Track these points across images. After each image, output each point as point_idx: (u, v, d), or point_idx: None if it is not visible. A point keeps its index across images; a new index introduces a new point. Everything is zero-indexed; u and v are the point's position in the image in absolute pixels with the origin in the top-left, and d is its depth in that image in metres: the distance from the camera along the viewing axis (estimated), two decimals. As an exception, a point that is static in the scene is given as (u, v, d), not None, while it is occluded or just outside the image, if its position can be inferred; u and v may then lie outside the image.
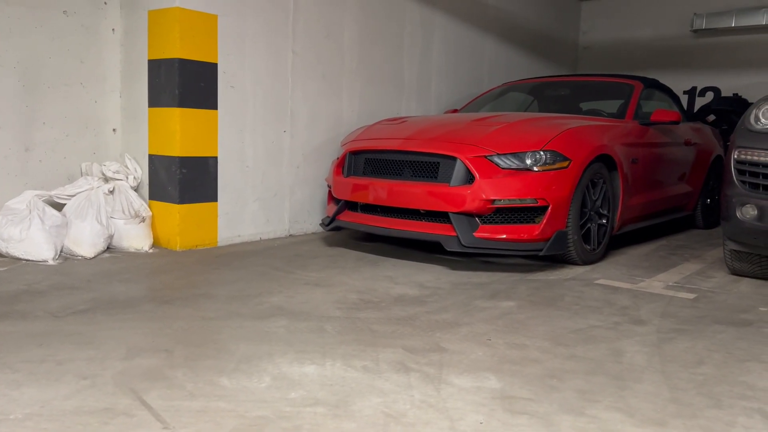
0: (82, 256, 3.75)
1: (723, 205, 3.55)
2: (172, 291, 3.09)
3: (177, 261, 3.80)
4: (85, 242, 3.76)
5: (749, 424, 1.80)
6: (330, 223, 4.26)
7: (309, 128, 4.87)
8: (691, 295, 3.34)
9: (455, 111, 5.67)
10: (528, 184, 3.61)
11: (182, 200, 4.06)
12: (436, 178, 3.78)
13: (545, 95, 5.67)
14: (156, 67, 4.06)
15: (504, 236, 3.64)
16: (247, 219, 4.51)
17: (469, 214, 3.65)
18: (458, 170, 3.68)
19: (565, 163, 3.73)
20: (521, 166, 3.66)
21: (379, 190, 3.93)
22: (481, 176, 3.62)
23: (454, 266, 3.86)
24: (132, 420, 1.70)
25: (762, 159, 3.26)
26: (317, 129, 4.94)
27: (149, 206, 4.18)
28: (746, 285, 3.65)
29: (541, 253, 3.66)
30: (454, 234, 3.66)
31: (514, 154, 3.68)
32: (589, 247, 4.02)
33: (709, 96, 7.94)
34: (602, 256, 4.21)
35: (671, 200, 5.24)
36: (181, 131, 4.00)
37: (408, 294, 3.19)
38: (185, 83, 3.99)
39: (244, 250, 4.20)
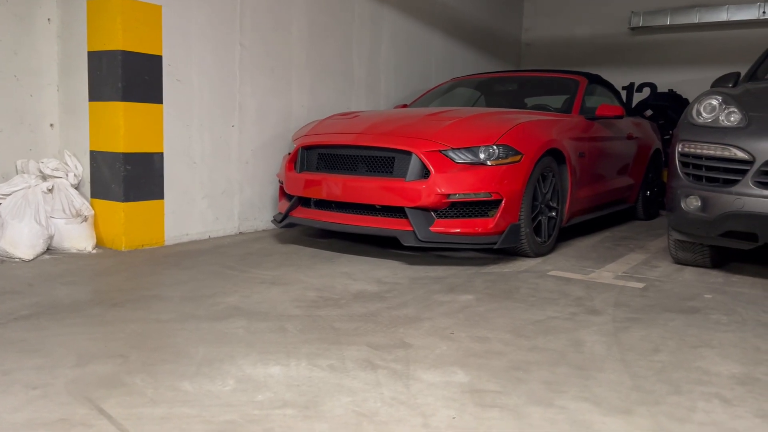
0: (19, 259, 3.55)
1: (668, 196, 3.67)
2: (120, 293, 2.96)
3: (123, 261, 3.65)
4: (23, 244, 3.57)
5: (709, 408, 1.86)
6: (282, 220, 4.18)
7: (258, 123, 4.77)
8: (640, 285, 3.44)
9: (405, 106, 5.67)
10: (482, 179, 3.64)
11: (127, 198, 3.90)
12: (391, 172, 3.76)
13: (492, 90, 5.73)
14: (96, 59, 3.88)
15: (459, 230, 3.66)
16: (195, 217, 4.37)
17: (425, 209, 3.65)
18: (414, 165, 3.67)
19: (518, 157, 3.77)
20: (475, 160, 3.68)
21: (334, 185, 3.88)
22: (437, 171, 3.62)
23: (410, 261, 3.86)
24: (91, 430, 1.61)
25: (704, 152, 3.38)
26: (266, 124, 4.84)
27: (91, 205, 4.00)
28: (690, 273, 3.78)
29: (495, 246, 3.70)
30: (410, 229, 3.65)
31: (468, 149, 3.70)
32: (540, 240, 4.09)
33: (646, 92, 8.21)
34: (552, 248, 4.29)
35: (615, 193, 5.40)
36: (125, 126, 3.85)
37: (367, 290, 3.16)
38: (129, 76, 3.83)
39: (194, 249, 4.07)
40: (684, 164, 3.53)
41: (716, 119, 3.45)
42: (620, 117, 4.95)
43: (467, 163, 3.68)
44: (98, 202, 4.00)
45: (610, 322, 2.71)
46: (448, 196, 3.62)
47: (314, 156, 4.10)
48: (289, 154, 4.35)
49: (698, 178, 3.45)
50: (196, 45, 4.24)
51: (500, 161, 3.70)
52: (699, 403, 1.89)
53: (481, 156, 3.70)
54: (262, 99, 4.79)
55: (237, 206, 4.68)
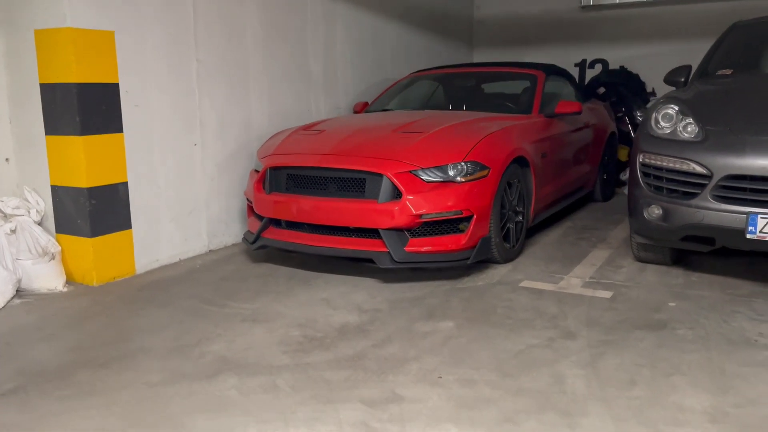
0: (-10, 308, 3.47)
1: (630, 203, 3.81)
2: (104, 348, 2.94)
3: (97, 300, 3.61)
4: (-8, 292, 3.48)
5: (688, 455, 2.01)
6: (255, 241, 4.17)
7: (220, 137, 4.70)
8: (608, 294, 3.59)
9: (365, 104, 5.65)
10: (453, 197, 3.70)
11: (95, 233, 3.83)
12: (363, 194, 3.78)
13: (452, 85, 5.76)
14: (50, 91, 3.74)
15: (433, 248, 3.73)
16: (164, 241, 4.33)
17: (399, 229, 3.70)
18: (385, 186, 3.70)
19: (485, 172, 3.84)
20: (445, 177, 3.74)
21: (305, 207, 3.89)
22: (408, 192, 3.66)
23: (386, 278, 3.92)
24: None
25: (664, 164, 3.51)
26: (228, 137, 4.77)
27: (57, 240, 3.92)
28: (652, 274, 3.96)
29: (468, 262, 3.79)
30: (385, 250, 3.70)
31: (438, 168, 3.75)
32: (509, 246, 4.20)
33: (598, 68, 8.35)
34: (520, 251, 4.41)
35: (575, 182, 5.55)
36: (87, 161, 3.75)
37: (349, 323, 3.22)
38: (86, 109, 3.71)
39: (166, 277, 4.04)
40: (645, 174, 3.66)
41: (674, 131, 3.58)
42: (579, 113, 5.06)
43: (437, 181, 3.73)
44: (64, 237, 3.91)
45: (585, 348, 2.85)
46: (420, 216, 3.67)
47: (283, 177, 4.08)
48: (257, 171, 4.32)
49: (659, 188, 3.59)
50: (152, 66, 4.12)
51: (469, 177, 3.77)
52: (678, 450, 2.04)
53: (451, 173, 3.75)
54: (222, 112, 4.71)
55: (205, 224, 4.64)
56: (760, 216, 3.13)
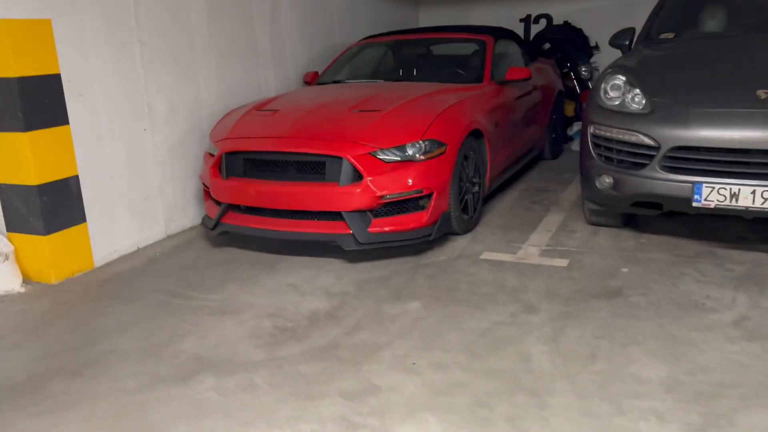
0: (-54, 316, 3.38)
1: (582, 173, 3.94)
2: (73, 353, 2.92)
3: (58, 300, 3.55)
4: (-53, 300, 3.38)
5: (648, 428, 2.17)
6: (214, 227, 4.14)
7: (169, 121, 4.59)
8: (564, 262, 3.74)
9: (315, 74, 5.58)
10: (413, 176, 3.75)
11: (49, 230, 3.73)
12: (323, 177, 3.78)
13: (402, 53, 5.73)
14: (-13, 86, 3.57)
15: (395, 228, 3.79)
16: (120, 231, 4.25)
17: (361, 211, 3.74)
18: (345, 169, 3.71)
19: (443, 149, 3.89)
20: (404, 157, 3.77)
21: (265, 192, 3.87)
22: (369, 173, 3.69)
23: (351, 258, 3.97)
24: None
25: (614, 136, 3.63)
26: (178, 119, 4.66)
27: (9, 239, 3.80)
28: (604, 238, 4.13)
29: (430, 238, 3.87)
30: (349, 232, 3.74)
31: (397, 147, 3.77)
32: (467, 217, 4.30)
33: (543, 23, 8.39)
34: (478, 220, 4.52)
35: (526, 145, 5.67)
36: (34, 157, 3.62)
37: (318, 309, 3.27)
38: (28, 104, 3.56)
39: (126, 269, 3.99)
40: (596, 145, 3.78)
41: (623, 102, 3.69)
42: (528, 79, 5.12)
43: (397, 161, 3.76)
44: (17, 236, 3.80)
45: (547, 322, 2.99)
46: (382, 197, 3.71)
47: (239, 161, 4.04)
48: (211, 155, 4.25)
49: (609, 159, 3.72)
50: (94, 53, 3.96)
51: (427, 155, 3.81)
52: (640, 423, 2.20)
53: (409, 152, 3.78)
54: (170, 94, 4.58)
55: (161, 210, 4.57)
56: (705, 185, 3.29)
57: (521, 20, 8.50)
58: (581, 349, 2.73)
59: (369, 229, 3.75)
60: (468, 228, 4.33)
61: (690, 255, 3.76)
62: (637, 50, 4.35)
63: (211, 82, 4.96)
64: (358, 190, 3.68)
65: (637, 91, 3.65)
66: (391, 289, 3.48)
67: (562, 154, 6.84)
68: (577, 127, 7.56)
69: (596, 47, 8.05)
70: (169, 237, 4.63)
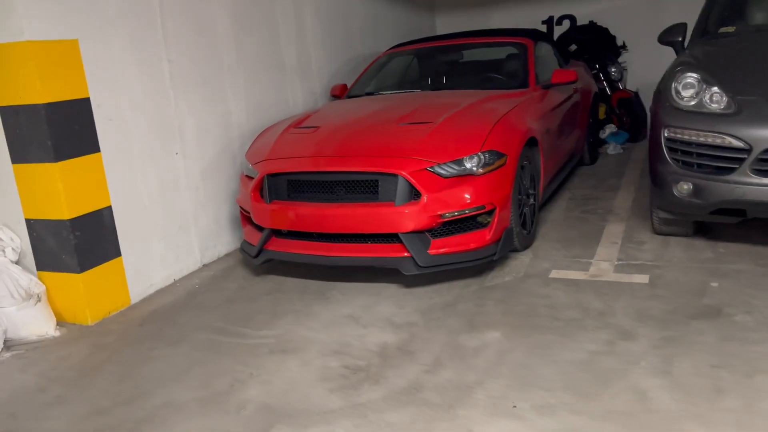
0: (-22, 368, 3.08)
1: (656, 179, 3.64)
2: (126, 409, 2.62)
3: (97, 344, 3.25)
4: (-22, 350, 3.08)
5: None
6: (258, 255, 3.84)
7: (200, 142, 4.30)
8: (644, 278, 3.44)
9: (344, 87, 5.31)
10: (474, 191, 3.46)
11: (83, 268, 3.44)
12: (377, 197, 3.49)
13: (436, 61, 5.46)
14: (12, 115, 3.29)
15: (457, 249, 3.50)
16: (156, 263, 3.96)
17: (419, 232, 3.45)
18: (402, 187, 3.42)
19: (503, 160, 3.61)
20: (462, 171, 3.48)
21: (313, 216, 3.58)
22: (427, 191, 3.40)
23: (407, 283, 3.67)
24: None
25: (695, 139, 3.34)
26: (208, 141, 4.38)
27: (40, 279, 3.51)
28: (677, 248, 3.83)
29: (495, 258, 3.57)
30: (408, 255, 3.44)
31: (455, 161, 3.49)
32: (525, 232, 4.00)
33: (566, 24, 8.14)
34: (535, 234, 4.23)
35: (570, 151, 5.39)
36: (65, 189, 3.33)
37: (387, 343, 2.97)
38: (57, 132, 3.28)
39: (165, 305, 3.70)
40: (672, 149, 3.49)
41: (700, 102, 3.40)
42: (574, 82, 4.85)
43: (455, 175, 3.47)
44: (48, 275, 3.51)
45: (650, 350, 2.69)
46: (441, 215, 3.42)
47: (283, 183, 3.74)
48: (249, 177, 3.97)
49: (688, 164, 3.43)
50: (122, 74, 3.68)
51: (487, 168, 3.52)
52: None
53: (468, 166, 3.50)
54: (200, 114, 4.30)
55: (195, 238, 4.28)
56: (807, 189, 3.00)
57: (543, 22, 8.26)
58: (701, 381, 2.42)
59: (429, 251, 3.45)
60: (527, 244, 4.04)
61: (779, 264, 3.46)
62: (698, 45, 4.08)
63: (240, 101, 4.69)
64: (417, 209, 3.38)
65: (716, 89, 3.37)
66: (461, 318, 3.17)
67: (599, 159, 6.55)
68: (609, 130, 7.29)
69: (624, 46, 7.79)
70: (205, 266, 4.33)
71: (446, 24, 8.75)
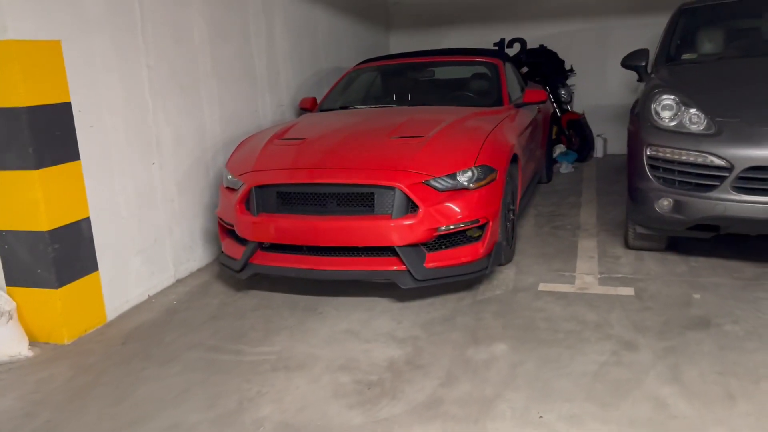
0: (-53, 393, 2.81)
1: (636, 196, 3.78)
2: None
3: (79, 365, 3.04)
4: (-52, 373, 2.82)
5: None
6: (243, 269, 3.71)
7: (176, 153, 4.14)
8: (630, 290, 3.56)
9: (314, 100, 5.25)
10: (469, 205, 3.48)
11: (61, 282, 3.22)
12: (372, 209, 3.46)
13: (405, 77, 5.50)
14: (-14, 118, 3.06)
15: (451, 262, 3.50)
16: (132, 278, 3.76)
17: (415, 245, 3.44)
18: (399, 200, 3.40)
19: (494, 175, 3.66)
20: (456, 185, 3.51)
21: (305, 229, 3.50)
22: (425, 204, 3.39)
23: (398, 296, 3.65)
24: None
25: (677, 157, 3.51)
26: (183, 151, 4.22)
27: (9, 295, 3.26)
28: (653, 262, 3.99)
29: (487, 272, 3.61)
30: (404, 268, 3.42)
31: (449, 175, 3.50)
32: (507, 246, 4.06)
33: (516, 47, 8.38)
34: (514, 248, 4.30)
35: (535, 168, 5.53)
36: (45, 199, 3.12)
37: (394, 357, 2.94)
38: (39, 137, 3.08)
39: (145, 323, 3.51)
40: (653, 167, 3.64)
41: (680, 123, 3.57)
42: (544, 102, 5.00)
43: (449, 189, 3.49)
44: (20, 290, 3.26)
45: (656, 360, 2.77)
46: (437, 229, 3.43)
47: (271, 195, 3.64)
48: (230, 189, 3.85)
49: (670, 181, 3.59)
50: (103, 79, 3.51)
51: (480, 183, 3.56)
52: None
53: (462, 180, 3.52)
54: (177, 123, 4.15)
55: (170, 252, 4.10)
56: (785, 205, 3.20)
57: (495, 44, 8.46)
58: (712, 388, 2.52)
59: (425, 265, 3.44)
60: (509, 258, 4.10)
61: (750, 278, 3.66)
62: (665, 70, 4.29)
63: (214, 109, 4.56)
64: (414, 222, 3.38)
65: (694, 110, 3.55)
66: (463, 332, 3.18)
67: (556, 179, 6.77)
68: (559, 149, 7.56)
69: (571, 70, 8.11)
70: (179, 281, 4.15)
71: (399, 43, 8.86)
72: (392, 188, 3.41)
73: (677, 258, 4.04)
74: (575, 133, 7.80)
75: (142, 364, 3.03)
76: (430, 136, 3.79)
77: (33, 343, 3.26)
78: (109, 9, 3.52)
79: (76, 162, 3.31)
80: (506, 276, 3.89)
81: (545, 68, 7.83)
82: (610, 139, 8.15)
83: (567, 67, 8.12)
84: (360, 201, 3.49)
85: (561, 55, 8.08)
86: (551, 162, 6.81)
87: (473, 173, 3.56)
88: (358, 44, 7.54)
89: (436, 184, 3.47)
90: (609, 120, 8.15)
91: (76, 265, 3.32)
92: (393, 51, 8.74)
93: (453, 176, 3.52)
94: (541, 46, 8.14)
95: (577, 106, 8.17)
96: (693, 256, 4.06)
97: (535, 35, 8.25)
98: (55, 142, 3.17)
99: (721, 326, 3.06)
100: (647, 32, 7.60)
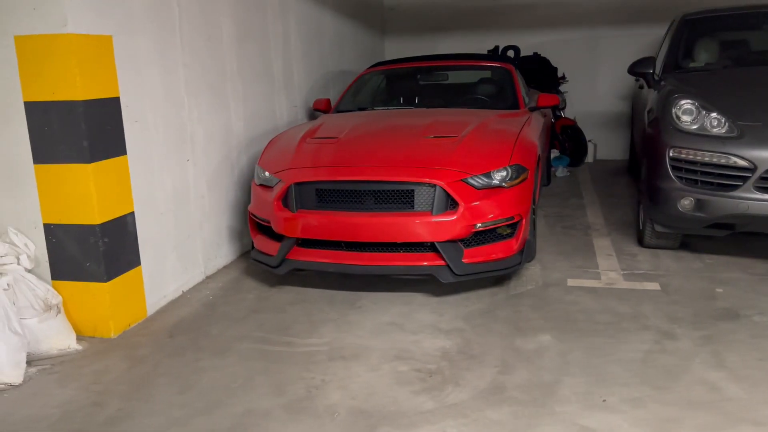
0: (7, 384, 2.81)
1: (657, 195, 3.96)
2: (208, 419, 2.50)
3: (133, 357, 3.07)
4: (6, 364, 2.82)
5: None
6: (280, 265, 3.77)
7: (206, 150, 4.19)
8: (655, 285, 3.73)
9: (328, 102, 5.33)
10: (505, 203, 3.61)
11: (110, 276, 3.24)
12: (411, 206, 3.56)
13: (418, 80, 5.63)
14: (40, 112, 3.07)
15: (487, 258, 3.62)
16: (168, 274, 3.79)
17: (453, 241, 3.55)
18: (439, 197, 3.51)
19: (526, 174, 3.80)
20: (491, 183, 3.63)
21: (347, 224, 3.58)
22: (464, 201, 3.51)
23: (433, 292, 3.76)
24: None
25: (700, 158, 3.70)
26: (213, 148, 4.27)
27: (55, 288, 3.26)
28: (669, 260, 4.18)
29: (520, 267, 3.74)
30: (443, 263, 3.53)
31: (485, 174, 3.63)
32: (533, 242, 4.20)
33: (511, 54, 8.60)
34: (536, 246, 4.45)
35: (544, 170, 5.71)
36: (98, 192, 3.14)
37: (446, 348, 3.04)
38: (93, 131, 3.10)
39: (186, 317, 3.54)
40: (676, 168, 3.83)
41: (702, 126, 3.77)
42: (558, 106, 5.17)
43: (485, 187, 3.61)
44: (66, 284, 3.27)
45: (697, 347, 2.94)
46: (475, 225, 3.55)
47: (310, 192, 3.71)
48: (264, 186, 3.90)
49: (692, 181, 3.77)
50: (147, 75, 3.54)
51: (514, 182, 3.70)
52: None
53: (497, 178, 3.65)
54: (207, 121, 4.19)
55: (200, 248, 4.13)
56: (805, 204, 3.41)
57: (489, 51, 8.67)
58: (756, 373, 2.69)
59: (463, 260, 3.56)
60: (533, 255, 4.24)
61: (764, 273, 3.88)
62: (675, 77, 4.50)
63: (239, 109, 4.61)
64: (454, 219, 3.49)
65: (715, 114, 3.75)
66: (505, 323, 3.30)
67: (553, 183, 6.97)
68: (553, 154, 7.77)
69: (564, 77, 8.34)
70: (209, 278, 4.18)
71: (393, 48, 8.98)
72: (432, 185, 3.52)
73: (691, 255, 4.24)
74: (568, 138, 8.03)
75: (195, 355, 3.07)
76: (463, 136, 3.91)
77: (79, 336, 3.27)
78: (152, 6, 3.56)
79: (123, 157, 3.34)
80: (533, 272, 4.03)
81: (539, 75, 8.04)
82: (599, 145, 8.41)
83: (559, 74, 8.35)
84: (399, 198, 3.58)
85: (553, 63, 8.31)
86: (550, 166, 7.00)
87: (507, 172, 3.69)
88: (358, 49, 7.65)
89: (474, 182, 3.58)
90: (598, 126, 8.42)
91: (122, 259, 3.34)
92: (388, 56, 8.87)
93: (489, 175, 3.64)
94: (535, 53, 8.36)
95: (569, 112, 8.40)
96: (706, 253, 4.26)
97: (528, 43, 8.47)
98: (107, 136, 3.20)
99: (750, 317, 3.25)
100: (635, 42, 7.90)
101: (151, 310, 3.60)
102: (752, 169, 3.54)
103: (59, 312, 3.18)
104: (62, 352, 3.13)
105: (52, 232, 3.22)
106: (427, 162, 3.64)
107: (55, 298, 3.21)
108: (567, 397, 2.55)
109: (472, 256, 3.59)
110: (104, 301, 3.25)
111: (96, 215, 3.15)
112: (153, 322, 3.48)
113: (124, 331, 3.36)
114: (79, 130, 3.04)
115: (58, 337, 3.14)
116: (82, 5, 3.01)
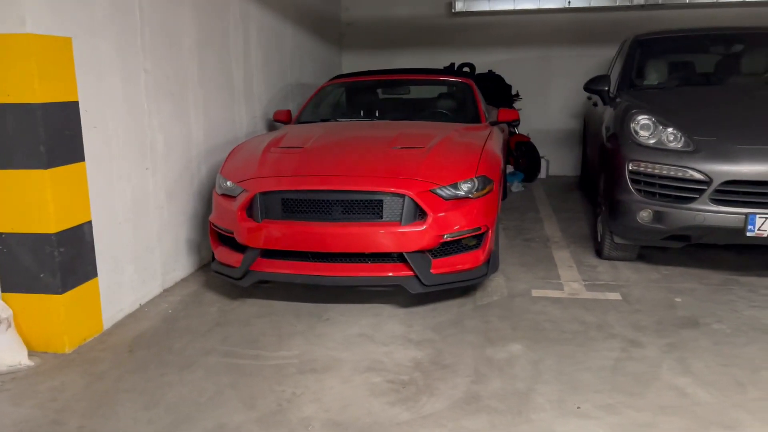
0: (-47, 404, 2.62)
1: (617, 208, 4.06)
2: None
3: (92, 373, 2.92)
4: (-47, 382, 2.64)
5: None
6: (243, 277, 3.67)
7: (166, 159, 4.07)
8: (617, 296, 3.81)
9: (289, 113, 5.28)
10: (472, 214, 3.63)
11: (65, 288, 3.09)
12: (380, 216, 3.53)
13: (380, 93, 5.64)
14: (-6, 114, 2.92)
15: (456, 267, 3.63)
16: (126, 286, 3.64)
17: (421, 252, 3.54)
18: (408, 207, 3.50)
19: (491, 186, 3.83)
20: (459, 194, 3.64)
21: (314, 235, 3.52)
22: (432, 211, 3.51)
23: (400, 303, 3.74)
24: None
25: (657, 172, 3.81)
26: (173, 158, 4.15)
27: (4, 301, 3.09)
28: (627, 271, 4.28)
29: (486, 277, 3.76)
30: (411, 274, 3.51)
31: (452, 185, 3.64)
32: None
33: (467, 71, 8.73)
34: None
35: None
36: (54, 200, 3.00)
37: (418, 358, 3.01)
38: (52, 135, 2.97)
39: (146, 331, 3.41)
40: (635, 181, 3.94)
41: (659, 140, 3.89)
42: (517, 121, 5.26)
43: (452, 198, 3.63)
44: (16, 296, 3.10)
45: (662, 354, 3.00)
46: (443, 236, 3.55)
47: (276, 202, 3.64)
48: (226, 196, 3.81)
49: (651, 194, 3.88)
50: (107, 80, 3.42)
51: (480, 193, 3.72)
52: None
53: (464, 190, 3.67)
54: (168, 130, 4.07)
55: (159, 260, 3.99)
56: (758, 216, 3.55)
57: (445, 68, 8.78)
58: (722, 378, 2.76)
59: (432, 271, 3.55)
60: (497, 266, 4.27)
61: (718, 283, 4.01)
62: (631, 94, 4.65)
63: (200, 118, 4.51)
64: (423, 229, 3.48)
65: (671, 129, 3.89)
66: (475, 333, 3.30)
67: (511, 197, 7.08)
68: (508, 170, 7.91)
69: (517, 95, 8.52)
70: (166, 291, 4.05)
71: (351, 63, 9.00)
72: (401, 195, 3.51)
73: (649, 267, 4.36)
74: (522, 155, 8.19)
75: (159, 370, 2.94)
76: (430, 147, 3.92)
77: (31, 352, 3.09)
78: (115, 9, 3.45)
79: (81, 163, 3.20)
80: (498, 283, 4.06)
81: (494, 92, 8.18)
82: (551, 162, 8.61)
83: (513, 91, 8.53)
84: (368, 208, 3.55)
85: (508, 81, 8.48)
86: (506, 181, 7.10)
87: (474, 183, 3.71)
88: (317, 62, 7.63)
89: (442, 193, 3.59)
90: (550, 143, 8.62)
91: (79, 271, 3.19)
92: (345, 70, 8.87)
93: (456, 185, 3.65)
94: (490, 71, 8.51)
95: (522, 129, 8.58)
96: (662, 265, 4.39)
97: (483, 61, 8.61)
98: (64, 142, 3.06)
99: (709, 325, 3.35)
100: (585, 62, 8.16)
101: (107, 323, 3.45)
102: (708, 182, 3.66)
103: (9, 326, 3.00)
104: (12, 368, 2.96)
105: (3, 241, 3.05)
106: (395, 172, 3.63)
107: (5, 312, 3.04)
108: (542, 405, 2.55)
109: (440, 266, 3.59)
110: (59, 314, 3.09)
111: (52, 224, 3.00)
112: (110, 337, 3.33)
113: (80, 346, 3.20)
114: (37, 134, 2.90)
115: (8, 353, 2.96)
116: (41, 5, 2.89)
